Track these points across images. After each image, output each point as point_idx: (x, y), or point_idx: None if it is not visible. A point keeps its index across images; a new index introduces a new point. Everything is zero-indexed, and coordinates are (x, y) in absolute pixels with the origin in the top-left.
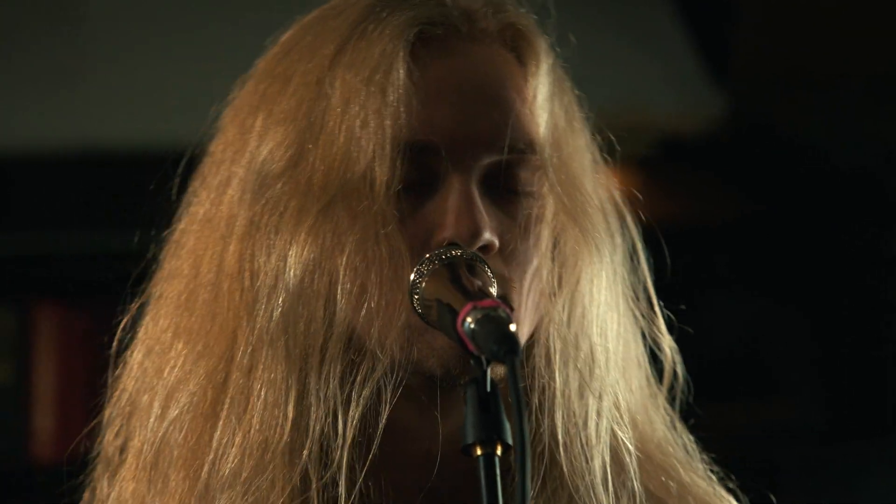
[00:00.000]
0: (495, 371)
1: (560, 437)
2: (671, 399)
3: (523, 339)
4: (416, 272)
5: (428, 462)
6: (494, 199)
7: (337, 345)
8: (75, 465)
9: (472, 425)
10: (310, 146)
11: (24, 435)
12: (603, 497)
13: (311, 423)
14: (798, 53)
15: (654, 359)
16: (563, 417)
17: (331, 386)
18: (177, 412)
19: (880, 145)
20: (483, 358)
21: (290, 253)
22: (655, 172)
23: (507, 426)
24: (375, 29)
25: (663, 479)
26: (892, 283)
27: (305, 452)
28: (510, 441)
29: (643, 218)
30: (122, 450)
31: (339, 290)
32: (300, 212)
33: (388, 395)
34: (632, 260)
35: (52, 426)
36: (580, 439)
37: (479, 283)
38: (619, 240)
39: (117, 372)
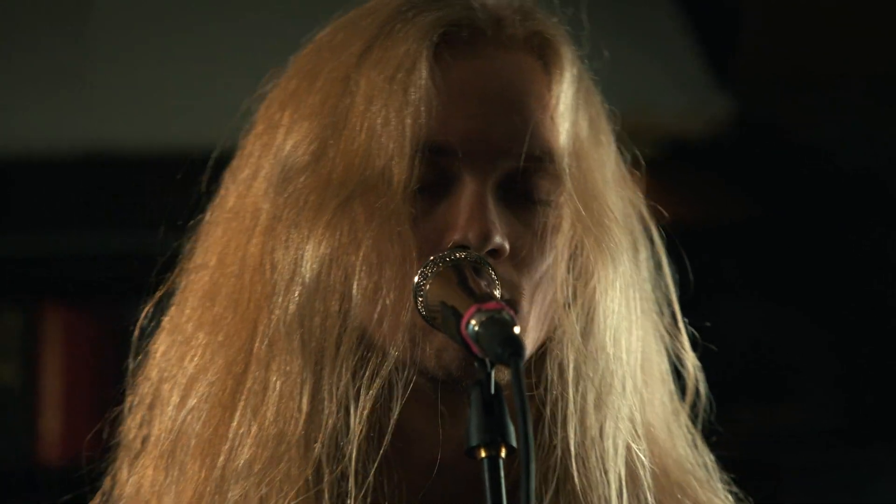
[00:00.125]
0: (500, 374)
1: (573, 449)
2: (693, 417)
3: (530, 347)
4: (420, 274)
5: (434, 467)
6: (510, 206)
7: (350, 340)
8: (81, 465)
9: (476, 428)
10: (331, 142)
11: (31, 436)
12: None
13: (325, 417)
14: (803, 55)
15: (678, 375)
16: (576, 430)
17: (343, 380)
18: (195, 401)
19: (886, 147)
20: (487, 360)
21: (307, 247)
22: (660, 174)
23: (512, 429)
24: (402, 29)
25: (679, 496)
26: None
27: (318, 446)
28: (514, 444)
29: (663, 231)
30: (144, 438)
31: (354, 286)
32: (319, 207)
33: (400, 392)
34: (657, 275)
35: (58, 427)
36: (595, 453)
37: (485, 284)
38: (642, 255)
39: (139, 359)
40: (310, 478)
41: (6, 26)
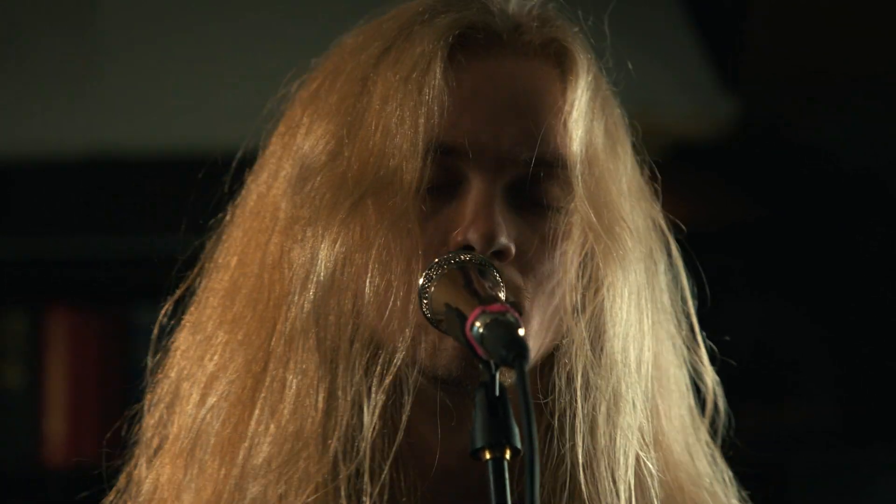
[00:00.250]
0: (505, 377)
1: (581, 458)
2: (713, 433)
3: (534, 352)
4: (425, 276)
5: (444, 473)
6: (519, 210)
7: (362, 338)
8: (89, 466)
9: (481, 429)
10: (347, 141)
11: (35, 438)
12: None
13: (340, 414)
14: (806, 57)
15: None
16: (585, 440)
17: (356, 378)
18: (215, 400)
19: (888, 148)
20: (492, 362)
21: (322, 245)
22: (665, 176)
23: (516, 430)
24: (420, 31)
25: None
26: None
27: (335, 443)
28: (519, 445)
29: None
30: (162, 436)
31: (366, 285)
32: (334, 205)
33: (410, 388)
34: (675, 288)
35: (62, 429)
36: (604, 463)
37: (489, 286)
38: (657, 267)
39: (157, 358)
40: (327, 475)
41: (10, 29)
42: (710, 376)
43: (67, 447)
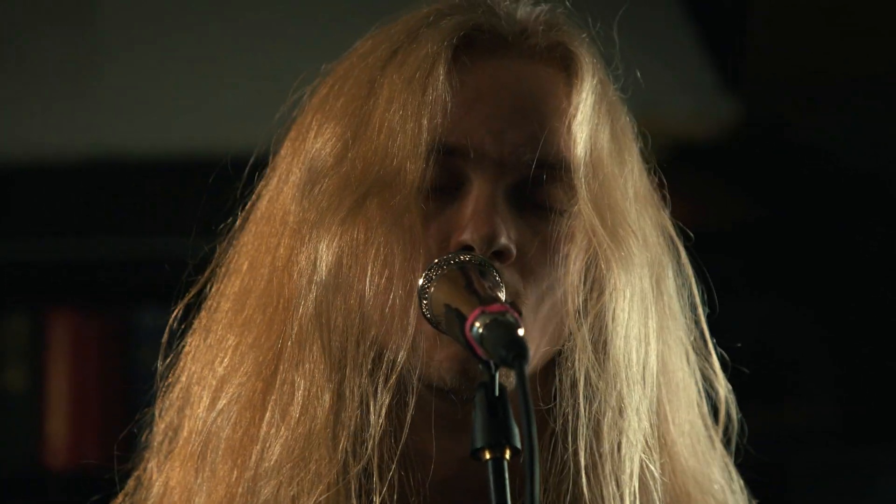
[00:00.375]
0: (505, 379)
1: (583, 461)
2: (726, 442)
3: (533, 353)
4: (425, 277)
5: (446, 477)
6: (521, 212)
7: (367, 337)
8: (90, 469)
9: (481, 430)
10: (352, 142)
11: (37, 440)
12: None
13: (348, 414)
14: (807, 58)
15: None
16: (588, 444)
17: (363, 377)
18: (225, 403)
19: (889, 148)
20: (491, 363)
21: (324, 245)
22: (666, 177)
23: (516, 431)
24: (426, 33)
25: None
26: None
27: (344, 442)
28: (519, 445)
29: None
30: (173, 439)
31: (367, 284)
32: (337, 205)
33: (413, 388)
34: (684, 295)
35: (64, 431)
36: (608, 467)
37: (489, 286)
38: (665, 272)
39: (168, 361)
40: (337, 474)
41: (10, 29)
42: (722, 386)
43: (68, 449)
